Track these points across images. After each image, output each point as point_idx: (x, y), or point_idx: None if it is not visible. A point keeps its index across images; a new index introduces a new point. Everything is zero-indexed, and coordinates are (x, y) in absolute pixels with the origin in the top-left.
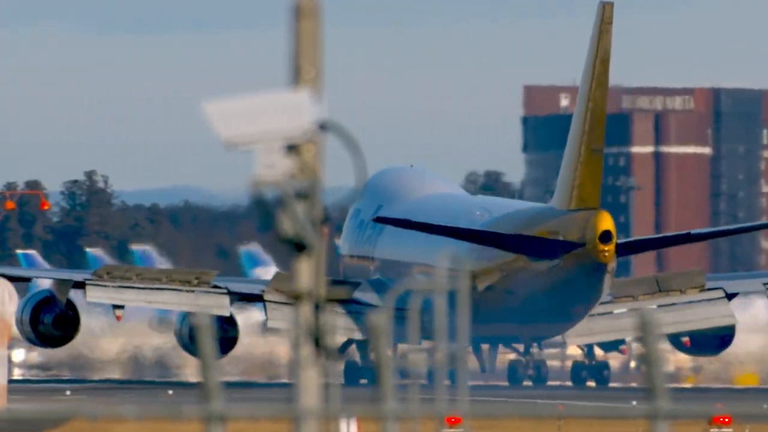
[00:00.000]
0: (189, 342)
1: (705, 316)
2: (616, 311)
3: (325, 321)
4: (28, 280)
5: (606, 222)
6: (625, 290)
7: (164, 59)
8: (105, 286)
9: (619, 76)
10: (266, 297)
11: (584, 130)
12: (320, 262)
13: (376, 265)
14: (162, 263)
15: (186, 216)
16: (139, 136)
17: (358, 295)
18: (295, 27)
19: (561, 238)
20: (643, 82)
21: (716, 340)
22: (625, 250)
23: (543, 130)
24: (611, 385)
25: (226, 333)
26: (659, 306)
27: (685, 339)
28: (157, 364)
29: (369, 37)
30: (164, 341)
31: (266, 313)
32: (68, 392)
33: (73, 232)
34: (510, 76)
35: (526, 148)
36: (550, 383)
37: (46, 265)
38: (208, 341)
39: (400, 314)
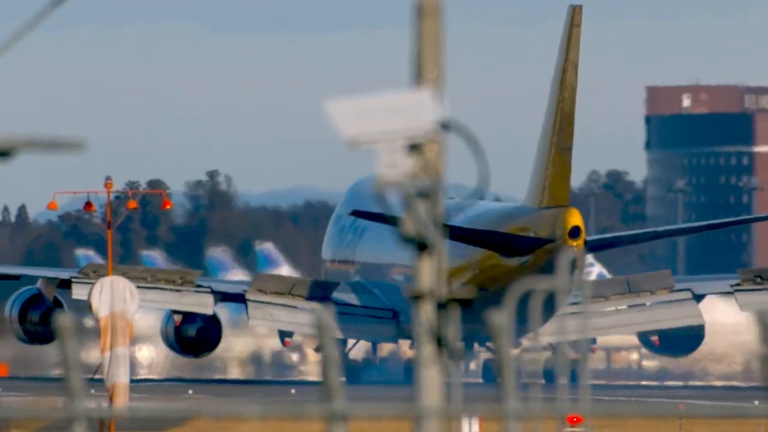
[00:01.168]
0: (174, 341)
1: (673, 316)
2: (587, 311)
3: (447, 320)
4: (17, 278)
5: (575, 218)
6: (597, 290)
7: (286, 59)
8: (91, 283)
9: (741, 75)
10: (248, 296)
11: (554, 130)
12: (441, 261)
13: (355, 268)
14: (284, 264)
15: (307, 216)
16: (261, 136)
17: (337, 295)
18: (417, 27)
19: (532, 234)
20: (766, 82)
21: (686, 340)
22: (593, 246)
23: (665, 130)
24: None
25: (209, 334)
26: (630, 306)
27: (655, 338)
28: (278, 364)
29: (490, 37)
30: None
31: (247, 312)
32: (190, 391)
33: (196, 233)
34: (633, 76)
35: (648, 147)
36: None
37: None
38: (331, 343)
39: (378, 313)
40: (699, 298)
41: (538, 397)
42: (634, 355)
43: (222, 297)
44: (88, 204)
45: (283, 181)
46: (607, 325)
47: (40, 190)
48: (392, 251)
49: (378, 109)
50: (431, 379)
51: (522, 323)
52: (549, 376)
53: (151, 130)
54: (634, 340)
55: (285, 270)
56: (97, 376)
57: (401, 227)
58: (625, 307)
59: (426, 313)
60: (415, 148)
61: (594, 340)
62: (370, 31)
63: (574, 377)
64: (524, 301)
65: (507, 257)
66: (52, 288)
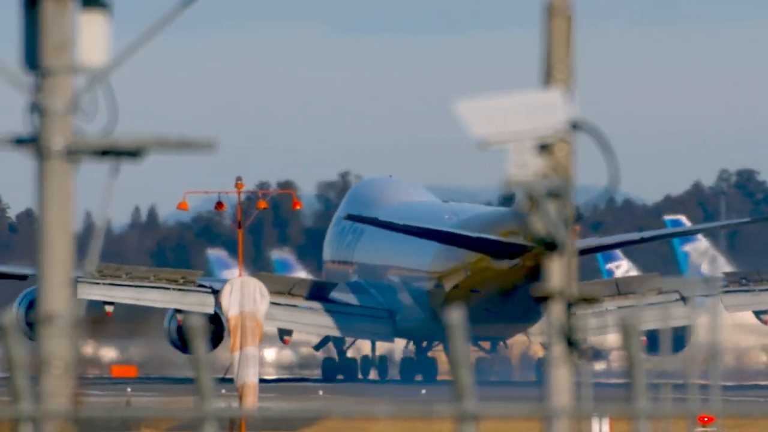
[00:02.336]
0: (177, 339)
1: (661, 317)
2: (577, 311)
3: (578, 320)
4: (24, 278)
5: None
6: (586, 292)
7: (415, 59)
8: (96, 283)
9: None
10: None
11: None
12: (571, 261)
13: (354, 269)
14: None
15: None
16: (391, 136)
17: (335, 295)
18: (546, 26)
19: (521, 238)
20: None
21: (674, 339)
22: (583, 251)
23: None
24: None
25: (211, 332)
26: (619, 307)
27: (642, 338)
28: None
29: (621, 36)
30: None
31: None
32: (320, 392)
33: (325, 234)
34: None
35: None
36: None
37: (300, 268)
38: (461, 343)
39: (375, 313)
40: (686, 299)
41: (668, 396)
42: (764, 357)
43: None
44: (219, 204)
45: (413, 181)
46: (597, 326)
47: (170, 190)
48: (389, 253)
49: (508, 109)
50: (562, 379)
51: (520, 321)
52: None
53: (282, 130)
54: (762, 340)
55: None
56: (227, 376)
57: (531, 227)
58: (614, 308)
59: (556, 312)
60: (545, 148)
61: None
62: (500, 30)
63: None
64: (523, 300)
65: (497, 260)
66: None
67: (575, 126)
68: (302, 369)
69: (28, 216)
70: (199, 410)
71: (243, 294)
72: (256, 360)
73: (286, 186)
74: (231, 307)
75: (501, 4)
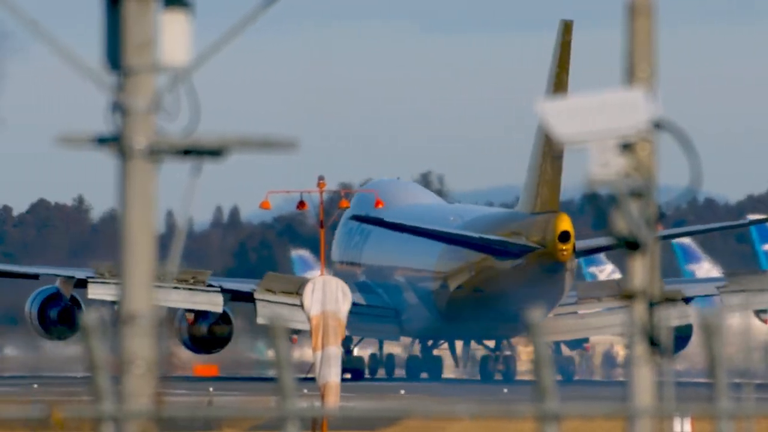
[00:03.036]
0: (187, 339)
1: (678, 315)
2: (580, 311)
3: (660, 319)
4: (36, 277)
5: (565, 223)
6: (590, 292)
7: (497, 57)
8: (106, 283)
9: None
10: (256, 295)
11: (546, 140)
12: (654, 260)
13: (361, 269)
14: None
15: None
16: (473, 135)
17: None
18: (629, 25)
19: (524, 239)
20: None
21: (675, 339)
22: (583, 251)
23: None
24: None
25: (221, 331)
26: (620, 307)
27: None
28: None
29: (704, 34)
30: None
31: (256, 311)
32: (402, 391)
33: None
34: None
35: None
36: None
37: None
38: (542, 343)
39: (381, 312)
40: (687, 300)
41: (751, 396)
42: None
43: (232, 296)
44: (301, 203)
45: (495, 180)
46: (599, 325)
47: (252, 189)
48: (395, 254)
49: (590, 108)
50: (644, 378)
51: (518, 322)
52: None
53: (365, 130)
54: None
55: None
56: (309, 375)
57: (613, 226)
58: (616, 307)
59: (639, 312)
60: (627, 147)
61: (587, 339)
62: (584, 29)
63: (568, 375)
64: (526, 299)
65: (501, 260)
66: (70, 287)
67: (658, 125)
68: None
69: (110, 216)
70: (281, 410)
71: (325, 293)
72: (338, 359)
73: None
74: (313, 306)
75: (586, 3)
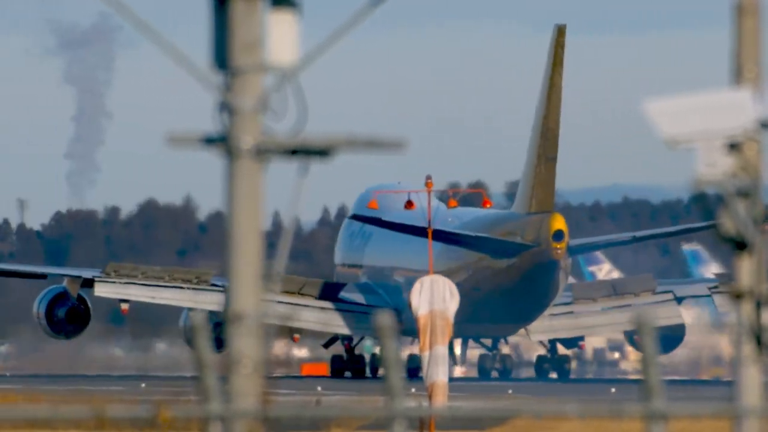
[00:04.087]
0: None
1: (655, 316)
2: (575, 311)
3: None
4: (44, 277)
5: (558, 223)
6: (585, 292)
7: (608, 58)
8: (112, 282)
9: None
10: None
11: (540, 141)
12: (761, 260)
13: (363, 271)
14: (605, 261)
15: (625, 213)
16: (580, 133)
17: (343, 294)
18: (736, 25)
19: (519, 238)
20: None
21: (668, 339)
22: (576, 249)
23: None
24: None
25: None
26: (614, 307)
27: (637, 337)
28: (599, 362)
29: None
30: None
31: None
32: (510, 391)
33: None
34: None
35: None
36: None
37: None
38: (651, 342)
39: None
40: (680, 300)
41: None
42: None
43: None
44: (409, 203)
45: (602, 178)
46: (594, 324)
47: (360, 189)
48: (394, 255)
49: (697, 108)
50: (751, 378)
51: (520, 319)
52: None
53: (473, 130)
54: None
55: (606, 268)
56: (420, 375)
57: (721, 226)
58: (611, 307)
59: (746, 312)
60: (734, 146)
61: (582, 338)
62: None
63: (564, 372)
64: (522, 298)
65: (497, 259)
66: (77, 286)
67: (765, 125)
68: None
69: (217, 216)
70: (389, 409)
71: (432, 292)
72: (446, 359)
73: (477, 186)
74: (420, 305)
75: (690, 4)
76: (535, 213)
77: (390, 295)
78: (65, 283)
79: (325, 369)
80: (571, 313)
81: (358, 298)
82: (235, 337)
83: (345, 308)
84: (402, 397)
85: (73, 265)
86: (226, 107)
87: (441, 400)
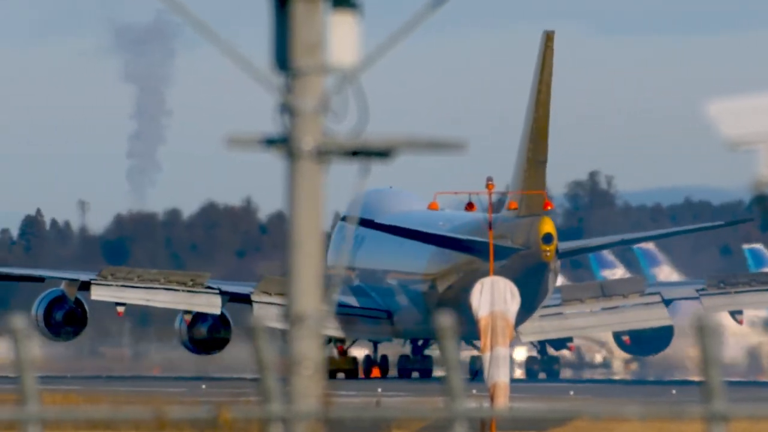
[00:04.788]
0: (187, 340)
1: (643, 318)
2: (565, 312)
3: None
4: (41, 280)
5: (548, 226)
6: (573, 294)
7: (670, 59)
8: (108, 285)
9: None
10: (253, 297)
11: (530, 145)
12: None
13: (356, 273)
14: (664, 263)
15: (687, 214)
16: (642, 135)
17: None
18: None
19: (509, 241)
20: None
21: (656, 340)
22: (566, 253)
23: None
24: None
25: (219, 333)
26: (603, 309)
27: (626, 338)
28: (659, 363)
29: None
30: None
31: (253, 311)
32: (571, 392)
33: (576, 233)
34: None
35: None
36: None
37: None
38: (712, 343)
39: (374, 314)
40: (667, 302)
41: None
42: None
43: (230, 298)
44: (470, 204)
45: (664, 180)
46: (583, 326)
47: (420, 190)
48: (387, 258)
49: (760, 110)
50: None
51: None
52: (531, 372)
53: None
54: None
55: (665, 269)
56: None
57: None
58: (599, 309)
59: None
60: None
61: (570, 339)
62: (753, 31)
63: (553, 373)
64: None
65: (487, 261)
66: (74, 289)
67: None
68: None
69: (278, 217)
70: (450, 410)
71: (493, 293)
72: (507, 360)
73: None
74: (481, 306)
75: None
76: (525, 216)
77: (382, 297)
78: (63, 286)
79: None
80: (561, 314)
81: (351, 300)
82: (295, 338)
83: (338, 311)
84: (463, 398)
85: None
86: (287, 108)
87: (502, 401)
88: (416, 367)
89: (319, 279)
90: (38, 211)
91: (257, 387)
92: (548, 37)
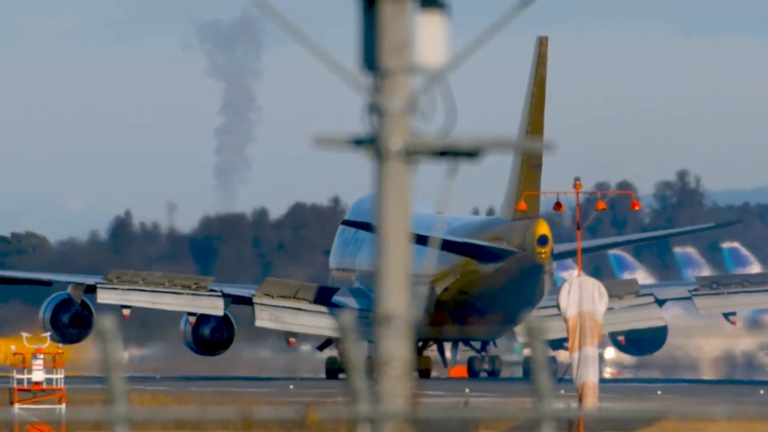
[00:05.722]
0: (191, 341)
1: (637, 318)
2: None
3: None
4: (49, 284)
5: (543, 228)
6: None
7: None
8: (114, 288)
9: None
10: (255, 300)
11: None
12: None
13: (355, 275)
14: (753, 262)
15: None
16: (729, 135)
17: (337, 298)
18: None
19: (505, 243)
20: None
21: (651, 340)
22: (560, 255)
23: None
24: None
25: (222, 334)
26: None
27: (621, 338)
28: (747, 364)
29: None
30: (754, 341)
31: (254, 314)
32: (659, 392)
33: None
34: None
35: None
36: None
37: (637, 265)
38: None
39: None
40: (661, 302)
41: None
42: None
43: (232, 300)
44: (558, 204)
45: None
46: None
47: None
48: None
49: None
50: None
51: (506, 322)
52: (527, 373)
53: (621, 130)
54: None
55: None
56: (566, 376)
57: None
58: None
59: None
60: None
61: (566, 339)
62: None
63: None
64: (508, 301)
65: (484, 263)
66: (80, 293)
67: None
68: (639, 369)
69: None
70: (537, 411)
71: (581, 294)
72: (596, 360)
73: (625, 186)
74: (569, 307)
75: None
76: (521, 219)
77: None
78: (69, 289)
79: (464, 371)
80: (558, 315)
81: (351, 302)
82: (383, 339)
83: (338, 312)
84: (551, 398)
85: (221, 267)
86: (375, 108)
87: (591, 401)
88: (416, 368)
89: (407, 280)
90: (127, 212)
91: (345, 387)
92: (542, 43)
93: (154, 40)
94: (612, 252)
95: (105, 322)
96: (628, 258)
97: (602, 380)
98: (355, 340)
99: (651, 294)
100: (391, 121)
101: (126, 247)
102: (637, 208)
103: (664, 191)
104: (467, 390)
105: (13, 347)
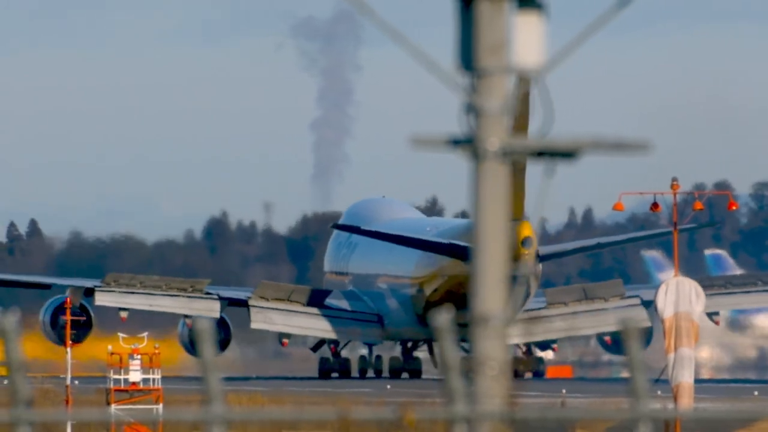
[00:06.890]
0: (188, 343)
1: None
2: (550, 314)
3: None
4: (48, 287)
5: (527, 230)
6: (557, 297)
7: None
8: (112, 291)
9: None
10: (251, 302)
11: None
12: None
13: (349, 278)
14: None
15: None
16: None
17: (330, 301)
18: None
19: None
20: None
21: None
22: (545, 256)
23: None
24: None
25: (219, 336)
26: (585, 311)
27: (607, 338)
28: None
29: None
30: None
31: (250, 316)
32: (755, 392)
33: (761, 233)
34: None
35: None
36: None
37: (734, 265)
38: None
39: (366, 317)
40: (647, 304)
41: None
42: None
43: (228, 303)
44: (655, 205)
45: None
46: (566, 328)
47: (605, 191)
48: (377, 263)
49: None
50: None
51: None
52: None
53: (718, 130)
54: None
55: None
56: (662, 377)
57: None
58: (582, 311)
59: None
60: None
61: (555, 341)
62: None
63: (538, 374)
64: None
65: (470, 264)
66: (79, 296)
67: None
68: (736, 370)
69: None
70: (634, 411)
71: (678, 294)
72: (692, 361)
73: (722, 187)
74: (666, 307)
75: None
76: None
77: (373, 301)
78: (68, 292)
79: (569, 371)
80: (546, 317)
81: (344, 304)
82: (479, 339)
83: (331, 314)
84: (647, 398)
85: (319, 265)
86: (472, 109)
87: (687, 401)
88: (406, 368)
89: (505, 280)
90: (223, 212)
91: (442, 387)
92: None
93: (249, 41)
94: (708, 252)
95: (201, 324)
96: (726, 257)
97: (697, 381)
98: (452, 341)
99: (637, 296)
100: (488, 121)
101: (223, 247)
102: (734, 208)
103: (762, 191)
104: (564, 390)
105: (110, 347)
